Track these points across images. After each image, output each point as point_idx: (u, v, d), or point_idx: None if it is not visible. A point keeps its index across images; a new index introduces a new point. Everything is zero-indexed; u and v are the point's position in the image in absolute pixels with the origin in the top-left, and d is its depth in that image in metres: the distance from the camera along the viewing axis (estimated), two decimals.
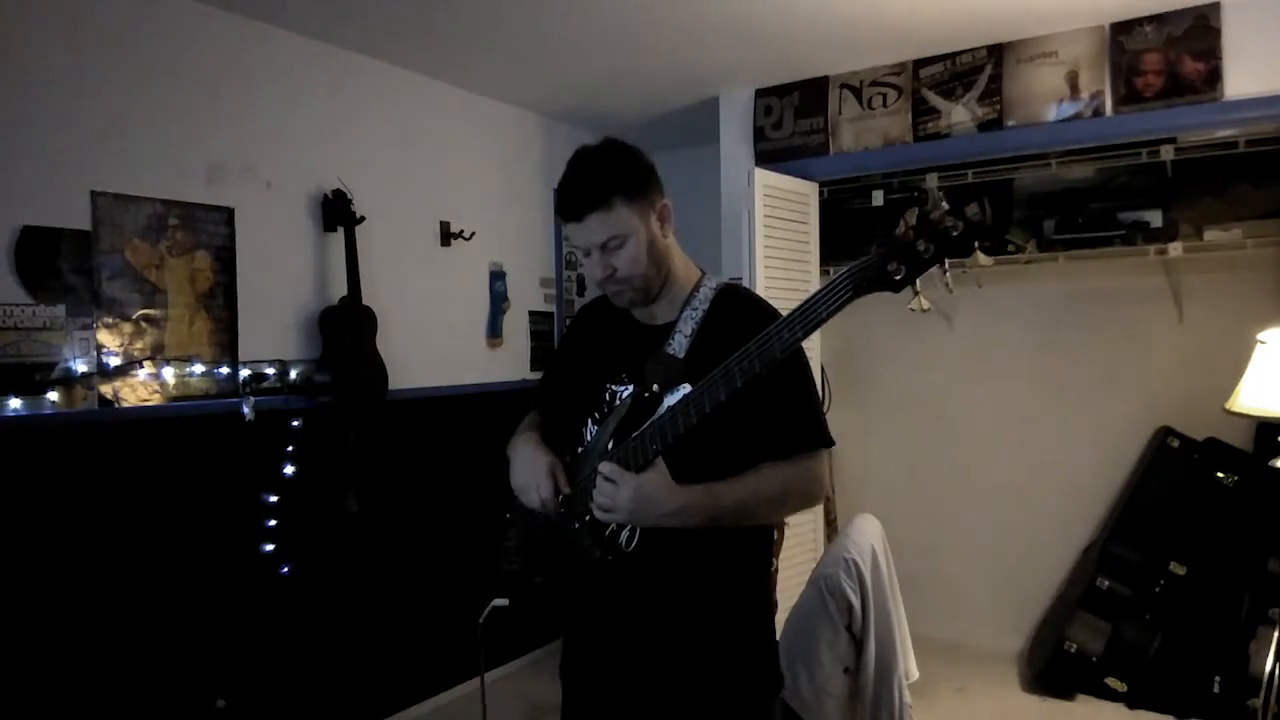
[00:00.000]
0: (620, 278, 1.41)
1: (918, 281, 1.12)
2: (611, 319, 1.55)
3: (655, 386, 1.37)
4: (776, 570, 3.49)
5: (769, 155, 3.62)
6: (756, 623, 1.48)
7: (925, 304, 1.13)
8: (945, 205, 1.10)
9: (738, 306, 1.45)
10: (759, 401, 1.28)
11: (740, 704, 1.43)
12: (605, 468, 1.30)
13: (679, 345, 1.41)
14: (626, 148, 1.44)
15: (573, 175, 1.41)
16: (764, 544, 1.54)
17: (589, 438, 1.48)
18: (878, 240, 1.14)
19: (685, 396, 1.27)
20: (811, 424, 1.40)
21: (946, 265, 1.11)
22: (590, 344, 1.60)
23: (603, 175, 1.38)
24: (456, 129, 3.58)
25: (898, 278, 1.11)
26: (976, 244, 1.11)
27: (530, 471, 1.47)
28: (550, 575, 1.54)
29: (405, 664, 3.25)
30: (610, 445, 1.40)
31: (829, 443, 1.40)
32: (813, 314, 1.15)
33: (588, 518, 1.41)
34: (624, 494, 1.28)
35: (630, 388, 1.43)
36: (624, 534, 1.40)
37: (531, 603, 1.58)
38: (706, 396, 1.23)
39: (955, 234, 1.09)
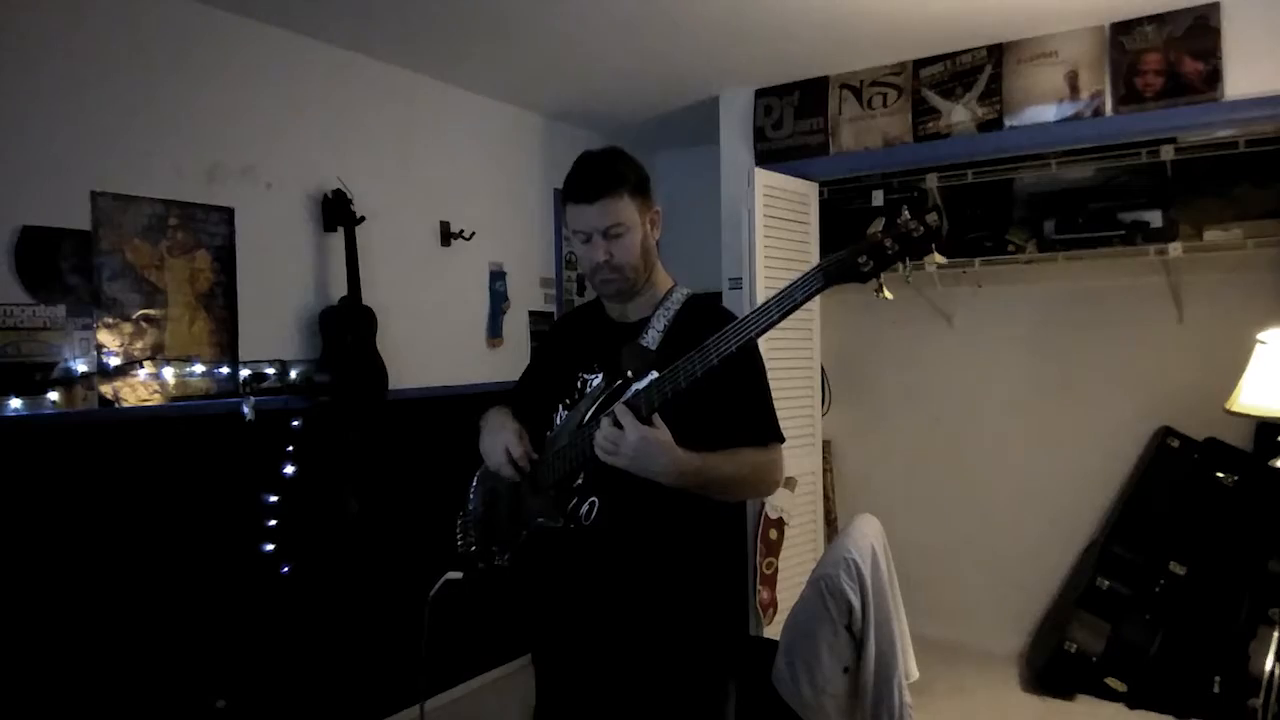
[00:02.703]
0: (615, 264, 1.53)
1: (881, 274, 1.27)
2: (586, 321, 1.71)
3: (630, 372, 1.47)
4: (776, 570, 3.50)
5: (769, 155, 3.62)
6: (709, 602, 1.59)
7: (889, 293, 1.29)
8: (908, 213, 1.25)
9: (706, 312, 1.59)
10: (727, 397, 1.43)
11: (692, 679, 1.53)
12: (618, 408, 1.36)
13: (652, 339, 1.54)
14: (630, 155, 1.60)
15: (588, 163, 1.55)
16: (718, 525, 1.64)
17: (559, 422, 1.60)
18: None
19: (661, 374, 1.37)
20: (772, 419, 1.56)
21: (907, 263, 1.26)
22: (565, 342, 1.74)
23: (617, 167, 1.54)
24: (457, 129, 3.58)
25: (865, 270, 1.26)
26: (934, 245, 1.25)
27: (499, 439, 1.59)
28: (510, 550, 1.64)
29: (405, 663, 3.25)
30: (583, 424, 1.50)
31: (784, 438, 1.56)
32: (789, 299, 1.28)
33: (551, 492, 1.54)
34: (631, 438, 1.34)
35: (600, 375, 1.56)
36: (584, 508, 1.52)
37: (489, 576, 1.67)
38: (682, 372, 1.34)
39: (916, 236, 1.24)
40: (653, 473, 1.38)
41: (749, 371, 1.49)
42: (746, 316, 1.31)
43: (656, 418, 1.36)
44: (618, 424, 1.35)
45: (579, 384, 1.61)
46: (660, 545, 1.53)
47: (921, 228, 1.24)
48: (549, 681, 1.67)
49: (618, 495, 1.50)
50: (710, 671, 1.58)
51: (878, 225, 1.27)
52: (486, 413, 1.74)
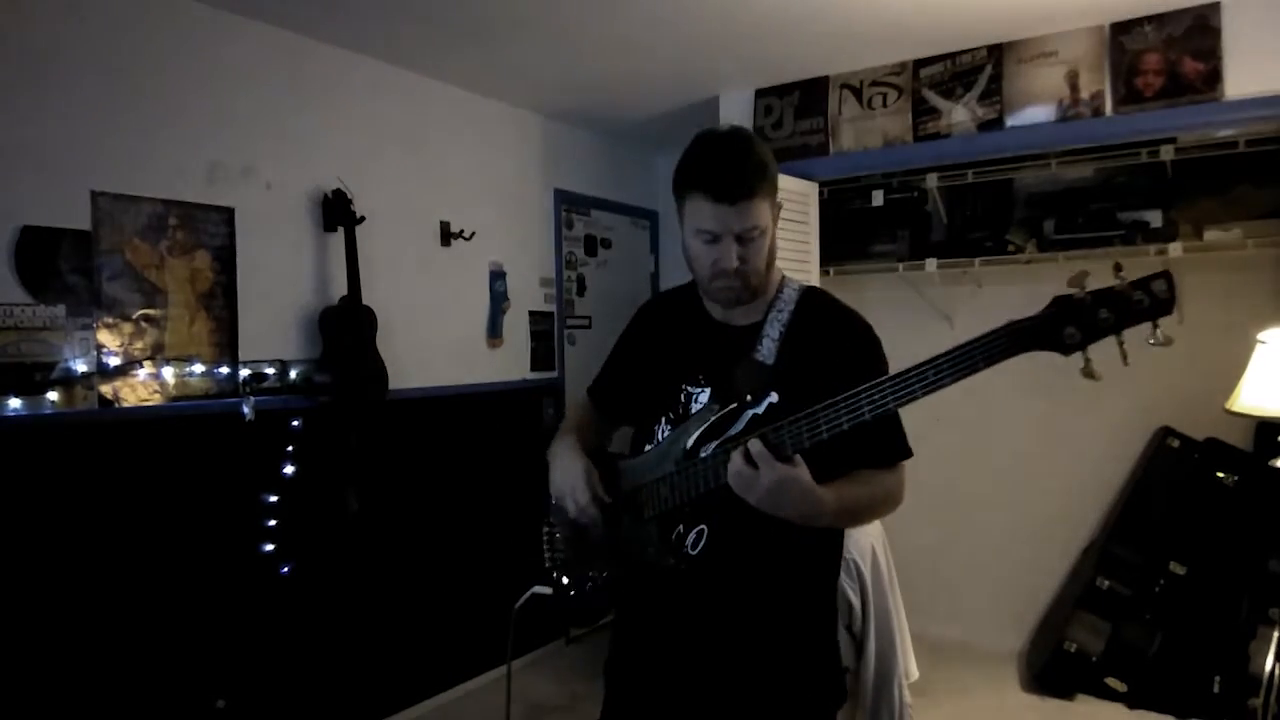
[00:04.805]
0: (745, 270, 1.35)
1: (1088, 349, 1.09)
2: (684, 317, 1.51)
3: (749, 396, 1.34)
4: None
5: None
6: (822, 633, 1.46)
7: (1098, 374, 1.09)
8: (1126, 278, 1.07)
9: (827, 314, 1.43)
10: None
11: (804, 717, 1.41)
12: (754, 447, 1.21)
13: (768, 351, 1.37)
14: (760, 141, 1.41)
15: (729, 156, 1.34)
16: (833, 555, 1.50)
17: (660, 438, 1.44)
18: (1054, 305, 1.11)
19: (779, 426, 1.22)
20: (904, 436, 1.41)
21: (1123, 337, 1.08)
22: (662, 340, 1.54)
23: (761, 164, 1.35)
24: (456, 129, 3.58)
25: (1070, 342, 1.09)
26: (1156, 322, 1.05)
27: (567, 480, 1.45)
28: (607, 572, 1.50)
29: (405, 664, 3.25)
30: (689, 448, 1.36)
31: (912, 453, 1.41)
32: (968, 363, 1.11)
33: (655, 523, 1.40)
34: (765, 480, 1.19)
35: (707, 390, 1.41)
36: (690, 537, 1.38)
37: (581, 595, 1.54)
38: (824, 421, 1.19)
39: (1140, 308, 1.05)
40: (786, 514, 1.23)
41: None
42: (911, 373, 1.14)
43: (797, 457, 1.21)
44: (752, 463, 1.19)
45: (683, 397, 1.43)
46: (774, 578, 1.38)
47: (1147, 298, 1.04)
48: (625, 704, 1.53)
49: (730, 525, 1.34)
50: (825, 708, 1.45)
51: (1083, 281, 1.08)
52: (557, 440, 1.56)
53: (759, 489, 1.20)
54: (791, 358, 1.36)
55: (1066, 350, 1.10)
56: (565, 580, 1.55)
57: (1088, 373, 1.10)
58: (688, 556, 1.38)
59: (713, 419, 1.36)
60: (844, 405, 1.17)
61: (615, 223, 4.51)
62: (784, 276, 1.47)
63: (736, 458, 1.21)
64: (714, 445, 1.33)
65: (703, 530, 1.37)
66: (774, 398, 1.33)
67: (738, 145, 1.35)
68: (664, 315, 1.58)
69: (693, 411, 1.40)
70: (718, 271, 1.36)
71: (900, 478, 1.39)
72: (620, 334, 1.65)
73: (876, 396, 1.15)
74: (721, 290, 1.39)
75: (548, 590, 1.62)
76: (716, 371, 1.40)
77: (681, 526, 1.39)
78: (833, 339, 1.37)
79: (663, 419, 1.45)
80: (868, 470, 1.34)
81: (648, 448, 1.46)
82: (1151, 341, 1.06)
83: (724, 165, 1.33)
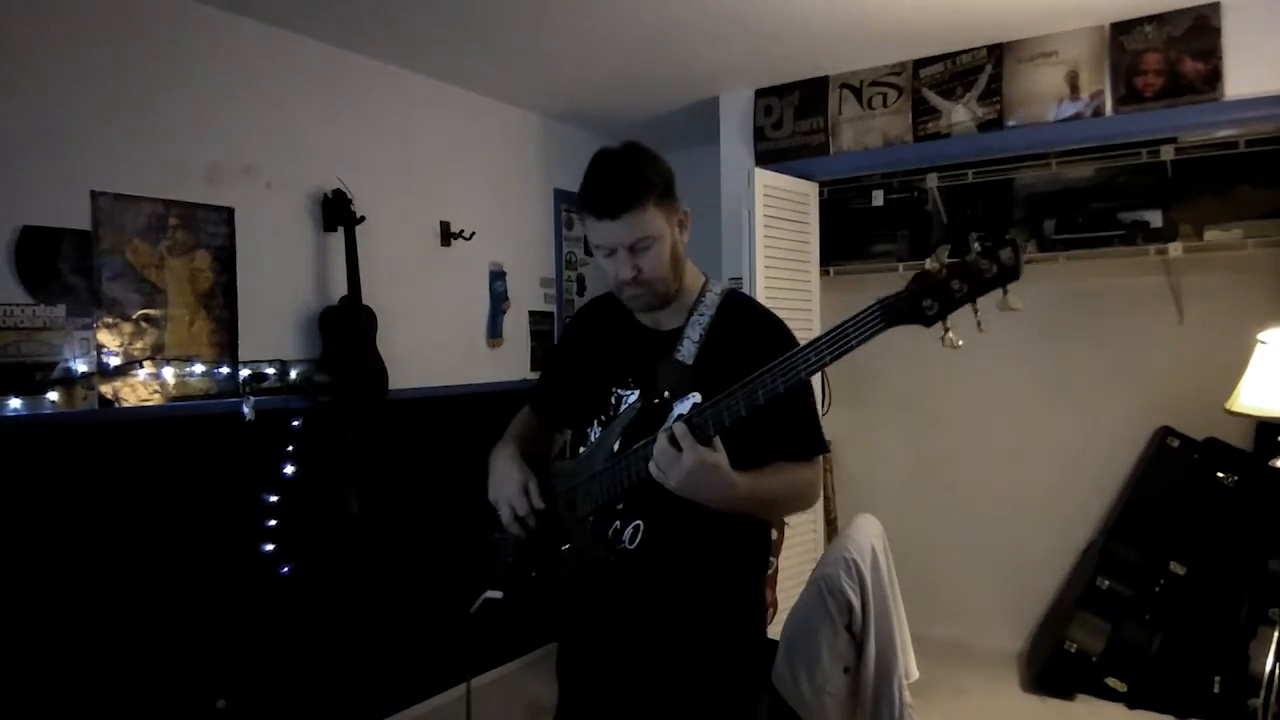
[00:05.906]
0: (644, 280, 1.42)
1: (948, 318, 1.15)
2: (615, 322, 1.57)
3: (666, 394, 1.39)
4: (776, 570, 3.50)
5: (769, 155, 3.62)
6: (750, 625, 1.52)
7: (958, 341, 1.15)
8: (978, 247, 1.12)
9: (744, 315, 1.50)
10: (775, 407, 1.28)
11: (728, 704, 1.46)
12: (677, 428, 1.25)
13: (688, 352, 1.43)
14: (652, 153, 1.45)
15: (607, 173, 1.41)
16: (762, 545, 1.57)
17: (592, 439, 1.51)
18: (913, 278, 1.17)
19: (702, 407, 1.26)
20: (818, 431, 1.47)
21: (978, 306, 1.14)
22: (594, 345, 1.61)
23: (638, 176, 1.40)
24: (456, 129, 3.58)
25: (930, 314, 1.15)
26: (1006, 289, 1.11)
27: (505, 489, 1.52)
28: (547, 570, 1.55)
29: (405, 663, 3.25)
30: (616, 448, 1.42)
31: (827, 448, 1.46)
32: (843, 341, 1.17)
33: (590, 519, 1.45)
34: (686, 462, 1.23)
35: (636, 392, 1.47)
36: (627, 532, 1.43)
37: (527, 597, 1.60)
38: (725, 410, 1.24)
39: (989, 276, 1.11)
40: (703, 498, 1.28)
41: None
42: (796, 354, 1.20)
43: (716, 440, 1.25)
44: (675, 444, 1.24)
45: (613, 399, 1.50)
46: (708, 567, 1.44)
47: (995, 266, 1.10)
48: (575, 700, 1.59)
49: (664, 517, 1.39)
50: (750, 691, 1.51)
51: (941, 256, 1.14)
52: (497, 448, 1.62)
53: (679, 470, 1.24)
54: (710, 357, 1.42)
55: (928, 322, 1.15)
56: (512, 579, 1.61)
57: (947, 342, 1.15)
58: (623, 551, 1.42)
59: (634, 415, 1.42)
60: (741, 394, 1.22)
61: None
62: (707, 280, 1.54)
63: (662, 439, 1.26)
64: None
65: (639, 525, 1.42)
66: (697, 396, 1.37)
67: (618, 161, 1.41)
68: (596, 321, 1.65)
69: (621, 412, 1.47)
70: (619, 283, 1.43)
71: (816, 473, 1.45)
72: (555, 342, 1.70)
73: (768, 382, 1.21)
74: (630, 299, 1.46)
75: (499, 595, 1.67)
76: (644, 374, 1.46)
77: (618, 522, 1.43)
78: (749, 339, 1.43)
79: (595, 422, 1.51)
80: (790, 463, 1.40)
81: (581, 449, 1.52)
82: (1000, 308, 1.11)
83: (602, 183, 1.39)
